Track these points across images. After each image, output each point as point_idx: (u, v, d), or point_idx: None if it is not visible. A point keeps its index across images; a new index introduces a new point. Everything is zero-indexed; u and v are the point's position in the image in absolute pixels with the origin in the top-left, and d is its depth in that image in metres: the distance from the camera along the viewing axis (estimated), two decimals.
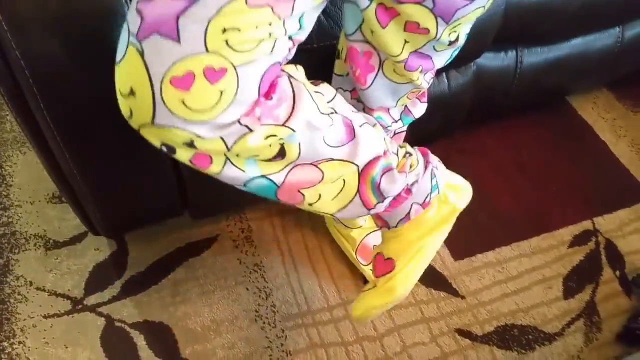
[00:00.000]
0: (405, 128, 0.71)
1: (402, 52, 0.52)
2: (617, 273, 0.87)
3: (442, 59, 0.56)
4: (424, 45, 0.51)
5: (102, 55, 0.57)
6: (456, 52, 0.57)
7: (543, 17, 0.86)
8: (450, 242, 0.88)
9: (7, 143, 1.03)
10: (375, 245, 0.84)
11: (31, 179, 0.97)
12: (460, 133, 1.01)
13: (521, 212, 0.94)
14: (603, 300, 0.84)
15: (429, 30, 0.49)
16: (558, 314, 0.82)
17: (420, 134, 0.95)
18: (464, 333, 0.79)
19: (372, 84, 0.57)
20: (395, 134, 0.69)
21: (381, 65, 0.56)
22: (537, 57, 0.96)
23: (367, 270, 0.83)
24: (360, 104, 0.62)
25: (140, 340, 0.77)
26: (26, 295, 0.81)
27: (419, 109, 0.68)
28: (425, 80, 0.58)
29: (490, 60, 0.91)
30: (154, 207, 0.82)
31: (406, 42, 0.51)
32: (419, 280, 0.83)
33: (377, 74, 0.57)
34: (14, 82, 0.56)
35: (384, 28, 0.49)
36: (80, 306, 0.80)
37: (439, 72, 0.88)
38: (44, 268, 0.84)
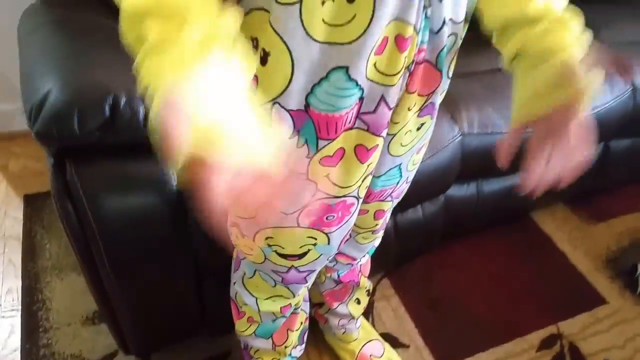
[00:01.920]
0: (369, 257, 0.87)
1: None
2: None
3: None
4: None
5: (158, 217, 0.74)
6: None
7: (493, 158, 1.08)
8: (435, 349, 1.00)
9: (46, 270, 1.19)
10: (372, 355, 0.95)
11: (68, 303, 1.11)
12: (439, 248, 1.18)
13: (496, 319, 1.07)
14: None
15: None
16: None
17: (402, 253, 1.13)
18: None
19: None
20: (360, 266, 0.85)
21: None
22: (494, 185, 1.16)
23: None
24: None
25: None
26: None
27: (378, 238, 0.81)
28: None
29: (456, 191, 1.12)
30: (181, 327, 0.95)
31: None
32: None
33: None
34: (82, 229, 0.73)
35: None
36: None
37: (414, 204, 1.08)
38: None
